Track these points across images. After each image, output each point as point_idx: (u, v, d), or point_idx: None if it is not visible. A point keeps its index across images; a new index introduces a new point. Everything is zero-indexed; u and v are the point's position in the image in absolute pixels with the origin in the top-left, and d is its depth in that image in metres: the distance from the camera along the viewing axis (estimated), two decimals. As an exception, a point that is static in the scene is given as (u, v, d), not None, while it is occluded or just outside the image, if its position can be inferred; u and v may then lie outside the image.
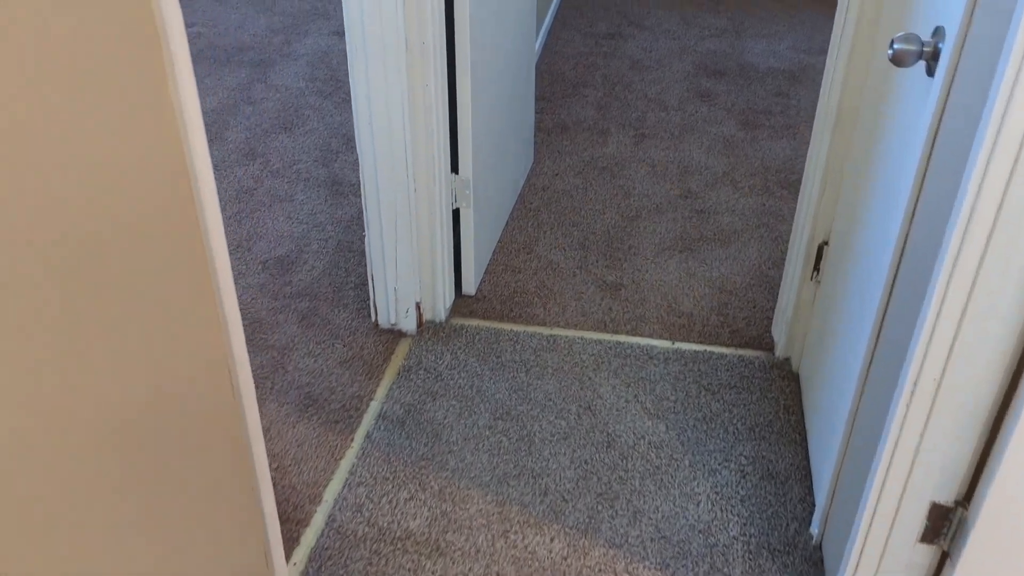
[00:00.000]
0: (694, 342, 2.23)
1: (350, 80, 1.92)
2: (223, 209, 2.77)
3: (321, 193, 2.86)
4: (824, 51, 3.94)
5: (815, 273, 1.97)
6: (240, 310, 2.33)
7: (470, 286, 2.37)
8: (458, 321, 2.29)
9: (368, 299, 2.36)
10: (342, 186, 2.90)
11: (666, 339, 2.24)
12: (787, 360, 2.15)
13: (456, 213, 2.27)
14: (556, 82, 3.61)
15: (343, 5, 1.82)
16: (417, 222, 2.11)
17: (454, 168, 2.20)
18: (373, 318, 2.27)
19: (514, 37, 2.50)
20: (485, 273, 2.47)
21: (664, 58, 3.84)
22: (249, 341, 2.22)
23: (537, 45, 3.77)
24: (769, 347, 2.20)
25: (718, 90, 3.55)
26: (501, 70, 2.39)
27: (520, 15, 2.56)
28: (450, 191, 2.19)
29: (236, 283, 2.44)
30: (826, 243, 1.93)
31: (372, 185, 2.05)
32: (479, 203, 2.31)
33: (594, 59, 3.83)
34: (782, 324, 2.13)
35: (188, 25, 4.20)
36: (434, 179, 2.09)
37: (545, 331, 2.26)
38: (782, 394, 2.06)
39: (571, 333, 2.25)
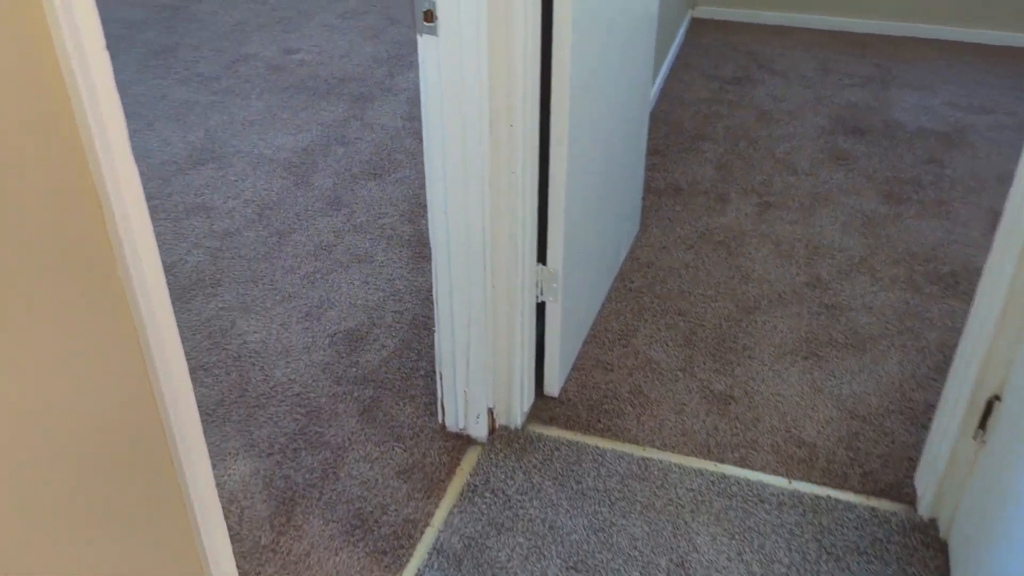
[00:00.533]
0: (816, 483, 1.85)
1: (425, 162, 1.65)
2: (299, 266, 2.57)
3: (403, 255, 2.62)
4: (989, 110, 3.45)
5: (980, 431, 1.58)
6: (299, 395, 2.11)
7: (553, 386, 2.07)
8: (536, 429, 1.99)
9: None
10: (426, 248, 2.65)
11: (781, 475, 1.87)
12: (933, 522, 1.75)
13: (541, 305, 1.97)
14: (672, 133, 3.27)
15: (420, 78, 1.56)
16: (494, 321, 1.83)
17: (541, 258, 1.91)
18: (440, 419, 2.00)
19: (626, 89, 2.19)
20: (572, 369, 2.17)
21: (797, 109, 3.44)
22: (302, 434, 1.99)
23: (653, 91, 3.44)
24: (910, 500, 1.80)
25: (858, 152, 3.13)
26: (607, 133, 2.08)
27: (635, 63, 2.24)
28: (535, 283, 1.90)
29: (300, 359, 2.22)
30: (998, 398, 1.54)
31: (444, 278, 1.78)
32: (569, 292, 2.01)
33: (717, 107, 3.46)
34: (930, 476, 1.73)
35: (293, 51, 4.07)
36: (516, 271, 1.80)
37: (637, 451, 1.93)
38: (925, 570, 1.66)
39: (667, 457, 1.92)
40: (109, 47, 4.16)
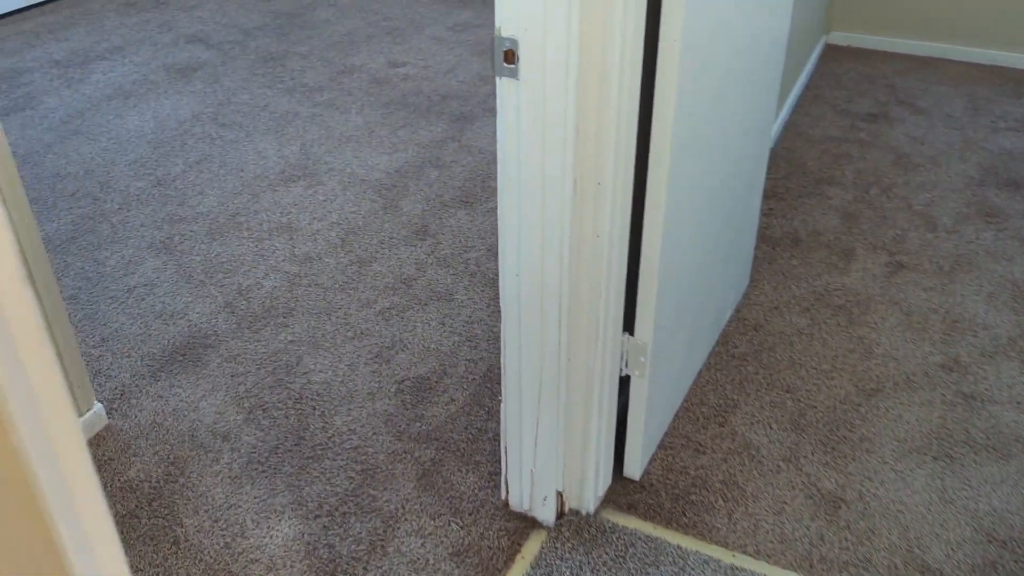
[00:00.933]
0: (940, 622, 1.55)
1: (498, 218, 1.45)
2: (376, 300, 2.42)
3: (485, 295, 2.43)
4: None
5: None
6: (357, 449, 1.95)
7: (634, 468, 1.83)
8: (611, 517, 1.76)
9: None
10: (511, 289, 2.45)
11: (898, 607, 1.57)
12: None
13: (626, 376, 1.74)
14: (794, 174, 2.96)
15: (497, 125, 1.36)
16: (567, 397, 1.61)
17: (628, 327, 1.67)
18: (503, 495, 1.80)
19: (744, 127, 1.93)
20: (659, 447, 1.92)
21: (940, 155, 3.06)
22: (354, 496, 1.83)
23: (776, 125, 3.14)
24: (1061, 660, 1.48)
25: (1011, 209, 2.74)
26: (717, 180, 1.83)
27: (757, 96, 1.98)
28: (619, 354, 1.67)
29: (363, 407, 2.06)
30: None
31: (513, 347, 1.57)
32: (660, 364, 1.77)
33: (847, 147, 3.12)
34: (1089, 636, 1.41)
35: (399, 64, 3.97)
36: (597, 342, 1.57)
37: (724, 557, 1.67)
38: None
39: (760, 568, 1.65)
40: (224, 53, 4.10)
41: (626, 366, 1.70)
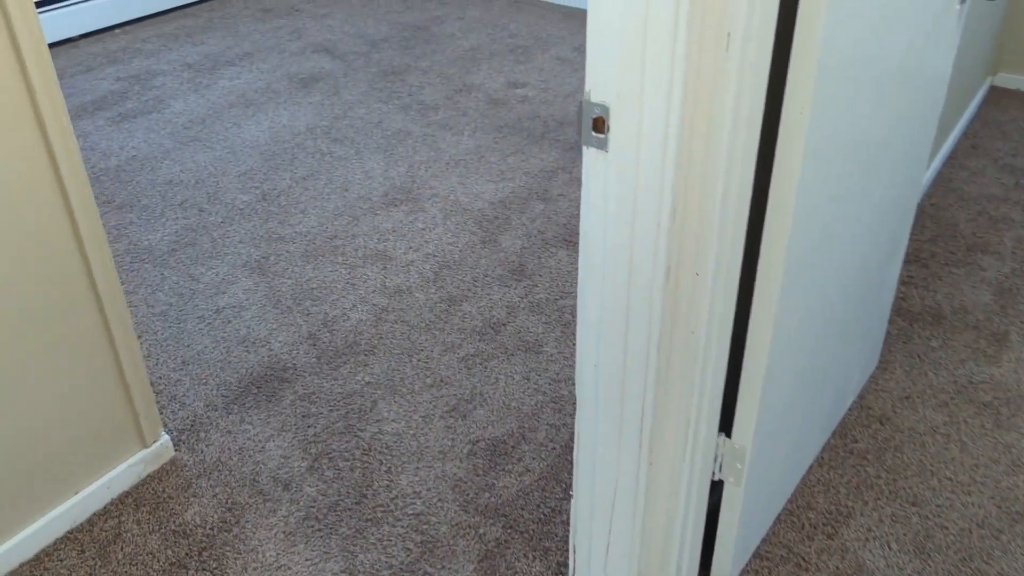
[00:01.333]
0: None
1: (578, 304, 1.27)
2: (460, 345, 2.27)
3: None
4: None
5: None
6: (419, 516, 1.80)
7: (722, 581, 1.60)
8: (688, 636, 1.54)
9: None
10: (606, 346, 2.25)
11: None
12: None
13: (718, 482, 1.52)
14: (942, 238, 2.63)
15: (581, 199, 1.18)
16: (646, 501, 1.41)
17: (724, 427, 1.45)
18: (569, 594, 1.61)
19: (887, 182, 1.66)
20: (753, 556, 1.68)
21: (1122, 225, 2.65)
22: (408, 573, 1.68)
23: (925, 178, 2.80)
24: None
25: None
26: (848, 253, 1.58)
27: (908, 144, 1.70)
28: (712, 457, 1.45)
29: (431, 468, 1.91)
30: None
31: (588, 443, 1.38)
32: (759, 468, 1.54)
33: (1008, 209, 2.75)
34: None
35: (519, 85, 3.83)
36: (686, 447, 1.36)
37: None
38: None
39: None
40: (348, 64, 4.06)
41: (720, 470, 1.48)
